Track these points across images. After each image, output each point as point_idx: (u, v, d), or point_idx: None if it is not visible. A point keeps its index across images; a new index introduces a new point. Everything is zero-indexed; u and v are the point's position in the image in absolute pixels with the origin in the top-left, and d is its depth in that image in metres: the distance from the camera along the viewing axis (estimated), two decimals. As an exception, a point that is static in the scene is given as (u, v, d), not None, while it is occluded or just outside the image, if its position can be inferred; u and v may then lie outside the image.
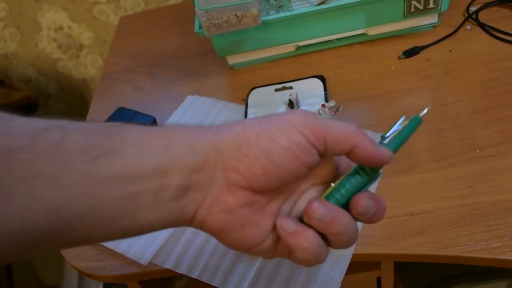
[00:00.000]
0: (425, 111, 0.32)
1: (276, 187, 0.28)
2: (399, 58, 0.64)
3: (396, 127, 0.30)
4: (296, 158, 0.26)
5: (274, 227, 0.29)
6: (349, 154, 0.28)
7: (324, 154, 0.28)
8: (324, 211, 0.26)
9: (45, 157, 0.23)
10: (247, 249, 0.29)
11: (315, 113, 0.27)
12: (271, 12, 0.66)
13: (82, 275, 0.50)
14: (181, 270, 0.46)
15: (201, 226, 0.28)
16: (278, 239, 0.29)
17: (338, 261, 0.44)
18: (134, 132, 0.26)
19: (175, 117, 0.62)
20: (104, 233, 0.25)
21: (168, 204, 0.26)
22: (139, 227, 0.26)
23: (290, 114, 0.27)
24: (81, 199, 0.23)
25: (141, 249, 0.48)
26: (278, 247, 0.29)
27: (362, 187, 0.28)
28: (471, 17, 0.66)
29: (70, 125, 0.24)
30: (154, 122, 0.60)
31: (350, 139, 0.27)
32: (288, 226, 0.27)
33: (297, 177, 0.28)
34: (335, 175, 0.30)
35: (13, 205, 0.21)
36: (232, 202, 0.27)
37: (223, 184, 0.27)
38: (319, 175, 0.30)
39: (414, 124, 0.30)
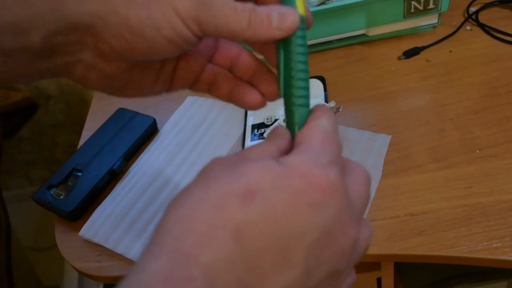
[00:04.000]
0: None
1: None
2: (399, 58, 0.64)
3: None
4: (178, 48, 0.26)
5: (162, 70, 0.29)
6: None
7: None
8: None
9: None
10: (141, 96, 0.30)
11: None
12: (271, 13, 0.66)
13: (82, 276, 0.50)
14: (181, 270, 0.46)
15: (82, 84, 0.28)
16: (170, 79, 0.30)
17: (338, 261, 0.44)
18: None
19: (175, 118, 0.62)
20: None
21: (32, 64, 0.26)
22: (4, 80, 0.26)
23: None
24: None
25: (141, 249, 0.48)
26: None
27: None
28: (471, 17, 0.66)
29: None
30: (154, 123, 0.60)
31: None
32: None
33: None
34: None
35: None
36: (109, 69, 0.27)
37: (95, 52, 0.26)
38: None
39: None
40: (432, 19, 0.65)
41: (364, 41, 0.67)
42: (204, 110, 0.62)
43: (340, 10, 0.61)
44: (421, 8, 0.62)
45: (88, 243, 0.50)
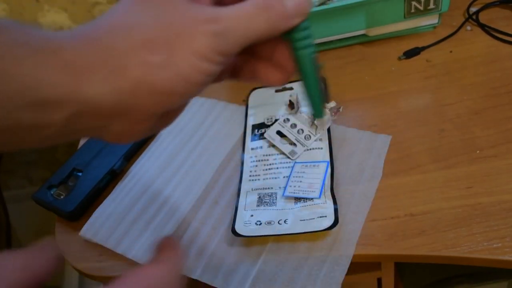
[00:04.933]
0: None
1: None
2: (399, 58, 0.64)
3: None
4: (209, 82, 0.26)
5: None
6: None
7: None
8: None
9: None
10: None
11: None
12: (272, 13, 0.66)
13: (82, 276, 0.50)
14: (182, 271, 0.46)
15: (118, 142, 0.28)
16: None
17: (339, 261, 0.44)
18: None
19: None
20: None
21: (53, 136, 0.24)
22: (32, 143, 0.24)
23: (195, 39, 0.24)
24: None
25: (142, 249, 0.48)
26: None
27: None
28: (472, 17, 0.66)
29: None
30: (154, 122, 0.60)
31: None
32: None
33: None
34: None
35: None
36: (144, 127, 0.27)
37: (128, 121, 0.26)
38: None
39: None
40: (432, 19, 0.65)
41: (364, 41, 0.67)
42: (205, 110, 0.62)
43: (341, 10, 0.61)
44: (421, 8, 0.62)
45: (88, 243, 0.51)
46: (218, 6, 0.25)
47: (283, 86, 0.62)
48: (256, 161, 0.54)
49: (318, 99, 0.31)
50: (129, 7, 0.24)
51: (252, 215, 0.48)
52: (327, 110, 0.55)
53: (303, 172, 0.50)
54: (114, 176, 0.56)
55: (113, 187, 0.55)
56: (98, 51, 0.23)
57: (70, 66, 0.22)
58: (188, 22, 0.24)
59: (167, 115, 0.28)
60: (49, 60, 0.22)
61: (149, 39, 0.23)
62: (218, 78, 0.29)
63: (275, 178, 0.52)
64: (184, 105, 0.30)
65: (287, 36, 0.28)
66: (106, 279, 0.48)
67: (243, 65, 0.30)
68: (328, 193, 0.48)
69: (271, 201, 0.49)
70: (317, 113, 0.32)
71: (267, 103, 0.61)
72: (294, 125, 0.55)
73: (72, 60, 0.22)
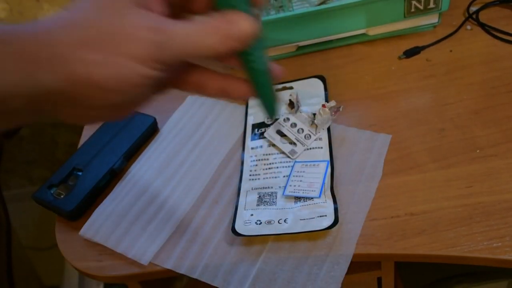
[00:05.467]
0: None
1: None
2: (399, 58, 0.64)
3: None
4: (151, 87, 0.28)
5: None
6: None
7: None
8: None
9: None
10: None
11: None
12: (272, 13, 0.66)
13: (82, 275, 0.50)
14: (182, 270, 0.46)
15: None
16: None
17: (339, 261, 0.44)
18: None
19: (176, 118, 0.62)
20: None
21: (15, 117, 0.28)
22: None
23: (132, 44, 0.26)
24: None
25: (142, 249, 0.48)
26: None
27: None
28: (472, 17, 0.66)
29: None
30: (154, 122, 0.60)
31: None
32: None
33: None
34: None
35: None
36: (95, 113, 0.29)
37: (80, 109, 0.28)
38: None
39: None
40: (432, 19, 0.65)
41: (364, 40, 0.67)
42: (205, 109, 0.62)
43: (341, 9, 0.61)
44: (421, 7, 0.62)
45: (88, 242, 0.51)
46: (170, 19, 0.27)
47: (283, 86, 0.62)
48: (256, 160, 0.54)
49: (271, 100, 0.33)
50: (83, 4, 0.26)
51: (252, 215, 0.48)
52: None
53: (303, 172, 0.50)
54: (114, 176, 0.56)
55: (113, 186, 0.55)
56: (47, 44, 0.25)
57: (25, 56, 0.25)
58: (129, 27, 0.25)
59: (120, 107, 0.29)
60: (7, 49, 0.25)
61: (87, 38, 0.25)
62: (163, 86, 0.31)
63: (275, 177, 0.52)
64: (139, 101, 0.30)
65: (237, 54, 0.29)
66: (106, 279, 0.48)
67: (208, 81, 0.32)
68: (328, 192, 0.48)
69: (271, 200, 0.49)
70: (270, 112, 0.33)
71: (267, 102, 0.61)
72: (294, 125, 0.55)
73: (28, 51, 0.25)
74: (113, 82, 0.26)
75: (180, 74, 0.31)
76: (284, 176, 0.51)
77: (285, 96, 0.60)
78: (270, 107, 0.33)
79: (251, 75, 0.31)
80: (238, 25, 0.27)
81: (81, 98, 0.27)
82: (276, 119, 0.56)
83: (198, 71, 0.32)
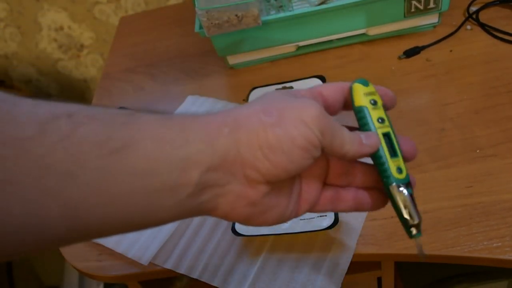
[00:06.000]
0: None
1: (291, 177, 0.30)
2: (399, 58, 0.64)
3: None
4: (310, 155, 0.28)
5: (300, 193, 0.32)
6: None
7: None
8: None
9: (56, 151, 0.22)
10: (272, 225, 0.32)
11: (321, 107, 0.30)
12: (272, 12, 0.66)
13: (82, 275, 0.50)
14: (182, 270, 0.46)
15: (225, 218, 0.29)
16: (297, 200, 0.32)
17: (339, 261, 0.44)
18: (148, 122, 0.26)
19: (176, 117, 0.62)
20: (117, 228, 0.25)
21: (186, 201, 0.26)
22: (154, 222, 0.26)
23: (305, 111, 0.28)
24: (98, 197, 0.23)
25: (142, 249, 0.48)
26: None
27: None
28: (472, 17, 0.66)
29: (79, 112, 0.24)
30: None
31: (347, 152, 0.31)
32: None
33: (308, 167, 0.30)
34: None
35: (16, 198, 0.21)
36: (254, 196, 0.28)
37: (243, 181, 0.28)
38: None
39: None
40: (432, 19, 0.65)
41: (364, 40, 0.67)
42: (205, 109, 0.62)
43: (341, 9, 0.61)
44: (421, 7, 0.62)
45: (88, 242, 0.50)
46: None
47: (283, 85, 0.62)
48: (256, 160, 0.54)
49: (405, 222, 0.34)
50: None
51: (252, 215, 0.48)
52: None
53: (303, 172, 0.50)
54: (114, 176, 0.56)
55: (113, 186, 0.55)
56: (226, 117, 0.28)
57: (204, 128, 0.27)
58: (299, 103, 0.29)
59: (274, 202, 0.30)
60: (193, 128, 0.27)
61: (265, 107, 0.29)
62: (317, 206, 0.34)
63: (275, 177, 0.51)
64: (285, 195, 0.31)
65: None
66: (106, 279, 0.48)
67: (342, 196, 0.34)
68: (328, 192, 0.48)
69: (271, 200, 0.49)
70: (406, 230, 0.35)
71: (267, 102, 0.61)
72: (294, 125, 0.55)
73: (206, 121, 0.28)
74: (283, 141, 0.27)
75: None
76: (284, 176, 0.51)
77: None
78: (405, 226, 0.34)
79: (391, 197, 0.33)
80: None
81: (255, 164, 0.27)
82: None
83: (332, 188, 0.34)
